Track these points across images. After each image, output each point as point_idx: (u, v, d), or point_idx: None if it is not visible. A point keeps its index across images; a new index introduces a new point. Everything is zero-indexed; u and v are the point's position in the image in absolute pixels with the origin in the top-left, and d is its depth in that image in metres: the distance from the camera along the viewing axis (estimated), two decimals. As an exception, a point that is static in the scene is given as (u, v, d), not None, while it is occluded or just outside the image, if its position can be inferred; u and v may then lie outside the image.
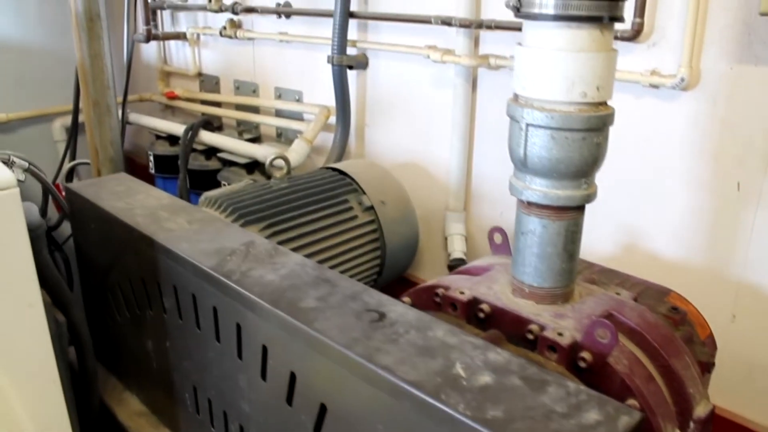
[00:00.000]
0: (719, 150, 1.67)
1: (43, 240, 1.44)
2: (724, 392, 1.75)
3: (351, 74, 2.51)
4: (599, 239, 1.91)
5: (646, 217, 1.84)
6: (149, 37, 3.28)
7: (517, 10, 1.02)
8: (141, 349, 1.53)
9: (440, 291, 1.26)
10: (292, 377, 1.07)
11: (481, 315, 1.20)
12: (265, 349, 1.12)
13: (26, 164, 2.01)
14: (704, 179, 1.71)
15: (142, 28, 3.31)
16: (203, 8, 3.15)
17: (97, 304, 1.68)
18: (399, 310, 1.07)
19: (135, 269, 1.46)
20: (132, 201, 1.56)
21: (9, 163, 1.97)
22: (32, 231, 1.13)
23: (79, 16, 2.04)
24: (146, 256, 1.38)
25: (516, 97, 1.10)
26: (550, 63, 1.02)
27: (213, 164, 2.89)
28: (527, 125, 1.05)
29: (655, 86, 1.70)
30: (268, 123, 2.97)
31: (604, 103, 1.07)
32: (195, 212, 1.52)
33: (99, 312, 1.67)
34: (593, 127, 1.04)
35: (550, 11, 0.99)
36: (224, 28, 3.07)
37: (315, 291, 1.12)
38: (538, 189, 1.11)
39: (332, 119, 2.59)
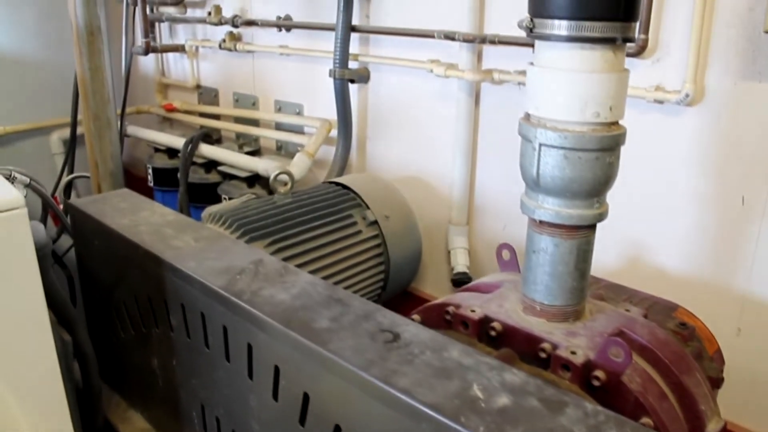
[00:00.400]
0: (724, 165, 1.68)
1: (49, 259, 1.44)
2: (730, 405, 1.75)
3: (352, 87, 2.51)
4: (604, 253, 1.91)
5: (651, 231, 1.85)
6: (148, 50, 3.27)
7: (530, 31, 1.03)
8: (146, 366, 1.52)
9: (451, 309, 1.25)
10: (306, 398, 1.07)
11: (493, 333, 1.20)
12: (277, 370, 1.11)
13: (27, 180, 2.00)
14: (709, 193, 1.72)
15: (140, 40, 3.30)
16: (202, 21, 3.15)
17: (100, 320, 1.67)
18: (413, 330, 1.07)
19: (141, 287, 1.46)
20: (137, 218, 1.56)
21: (10, 179, 1.96)
22: (39, 250, 1.13)
23: (80, 29, 2.04)
24: (153, 274, 1.37)
25: (528, 116, 1.11)
26: (564, 84, 1.02)
27: (213, 177, 2.88)
28: (540, 145, 1.05)
29: (659, 102, 1.71)
30: (269, 136, 2.97)
31: (616, 123, 1.07)
32: (201, 229, 1.51)
33: (102, 329, 1.66)
34: (606, 146, 1.05)
35: (564, 32, 1.00)
36: (224, 40, 3.07)
37: (327, 311, 1.12)
38: (551, 208, 1.11)
39: (333, 132, 2.59)
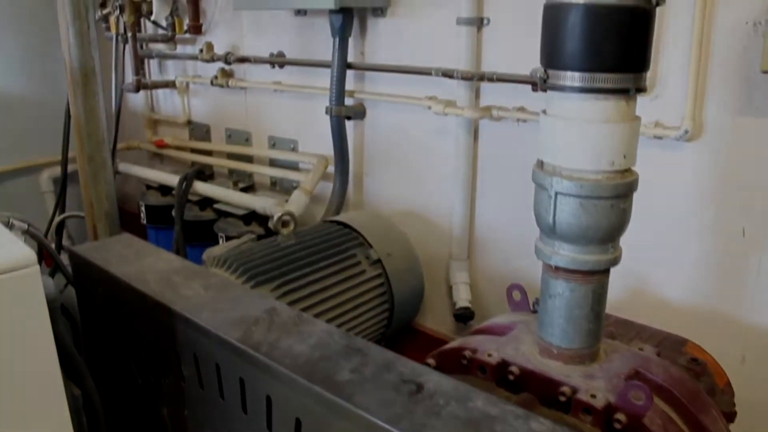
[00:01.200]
0: (724, 198, 1.70)
1: (58, 312, 1.42)
2: (737, 434, 1.77)
3: (348, 123, 2.52)
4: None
5: (654, 263, 1.86)
6: (139, 87, 3.27)
7: (544, 82, 1.05)
8: (155, 416, 1.51)
9: (467, 353, 1.26)
10: (329, 451, 1.06)
11: (511, 377, 1.21)
12: (298, 422, 1.11)
13: (25, 226, 1.98)
14: (710, 226, 1.74)
15: (131, 77, 3.31)
16: (194, 57, 3.16)
17: (105, 368, 1.65)
18: (435, 379, 1.07)
19: (149, 336, 1.44)
20: (142, 265, 1.55)
21: (9, 225, 1.94)
22: (48, 304, 1.12)
23: (74, 71, 2.04)
24: (163, 324, 1.36)
25: (542, 164, 1.12)
26: (579, 134, 1.04)
27: (208, 215, 2.86)
28: (556, 193, 1.07)
29: (659, 137, 1.74)
30: (263, 172, 2.96)
31: (629, 170, 1.09)
32: (208, 276, 1.51)
33: (107, 376, 1.64)
34: (621, 194, 1.07)
35: (577, 84, 1.02)
36: (216, 77, 3.08)
37: (347, 362, 1.12)
38: (566, 254, 1.13)
39: (330, 168, 2.59)
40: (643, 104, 1.78)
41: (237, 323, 1.26)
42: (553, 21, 1.03)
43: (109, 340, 1.61)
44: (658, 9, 1.02)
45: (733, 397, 1.46)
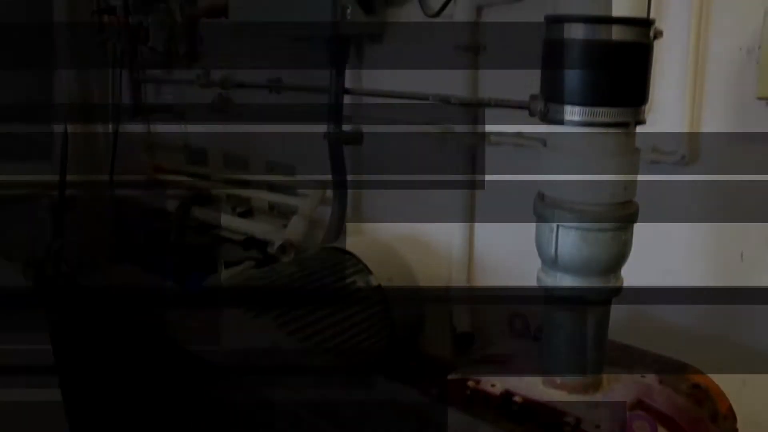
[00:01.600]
0: (721, 222, 1.72)
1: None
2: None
3: (347, 147, 2.52)
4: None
5: (652, 287, 1.86)
6: (137, 113, 3.28)
7: (545, 116, 1.06)
8: (158, 448, 1.50)
9: (471, 384, 1.26)
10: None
11: (515, 407, 1.21)
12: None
13: (25, 255, 1.98)
14: (708, 250, 1.76)
15: (128, 103, 3.32)
16: (191, 82, 3.16)
17: (108, 401, 1.64)
18: (440, 412, 1.07)
19: (152, 368, 1.44)
20: (143, 296, 1.55)
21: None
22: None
23: (74, 99, 2.05)
24: (166, 356, 1.36)
25: (543, 196, 1.13)
26: (579, 167, 1.05)
27: (206, 240, 2.85)
28: (558, 226, 1.08)
29: (656, 162, 1.75)
30: (261, 197, 2.96)
31: (629, 201, 1.10)
32: (210, 306, 1.51)
33: (110, 410, 1.63)
34: (622, 225, 1.08)
35: (578, 118, 1.03)
36: (213, 101, 3.08)
37: (353, 395, 1.12)
38: (569, 285, 1.13)
39: (328, 192, 2.60)
40: (639, 129, 1.79)
41: (241, 356, 1.26)
42: (552, 56, 1.04)
43: (111, 372, 1.60)
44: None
45: (735, 422, 1.46)
